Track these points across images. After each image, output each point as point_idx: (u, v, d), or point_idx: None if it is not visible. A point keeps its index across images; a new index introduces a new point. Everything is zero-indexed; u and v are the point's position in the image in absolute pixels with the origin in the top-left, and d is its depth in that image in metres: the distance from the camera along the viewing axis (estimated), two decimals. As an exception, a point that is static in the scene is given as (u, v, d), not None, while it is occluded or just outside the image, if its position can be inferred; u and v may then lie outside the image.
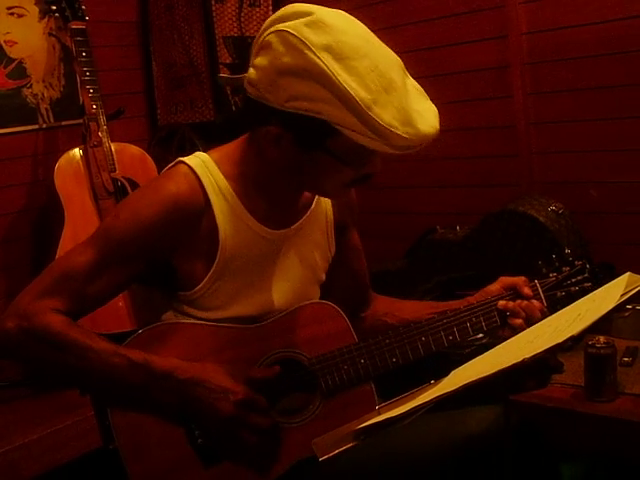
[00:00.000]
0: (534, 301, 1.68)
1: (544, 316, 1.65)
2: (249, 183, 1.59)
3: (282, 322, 1.64)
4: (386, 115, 1.37)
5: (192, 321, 1.59)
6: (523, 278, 1.71)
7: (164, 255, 1.55)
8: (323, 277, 1.77)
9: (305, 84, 1.37)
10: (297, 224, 1.66)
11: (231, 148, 1.62)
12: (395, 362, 1.64)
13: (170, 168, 1.59)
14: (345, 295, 1.84)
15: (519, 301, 1.67)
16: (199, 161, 1.57)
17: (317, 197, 1.72)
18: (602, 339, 2.17)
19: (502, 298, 1.69)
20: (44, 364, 1.52)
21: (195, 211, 1.53)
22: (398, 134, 1.37)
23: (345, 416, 1.47)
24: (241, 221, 1.58)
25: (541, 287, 1.71)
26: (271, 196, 1.61)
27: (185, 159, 1.58)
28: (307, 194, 1.69)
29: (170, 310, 1.63)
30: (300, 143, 1.46)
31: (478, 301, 1.70)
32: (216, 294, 1.59)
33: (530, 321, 1.64)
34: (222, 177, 1.57)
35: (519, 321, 1.65)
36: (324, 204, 1.73)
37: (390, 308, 1.88)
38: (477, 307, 1.69)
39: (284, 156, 1.49)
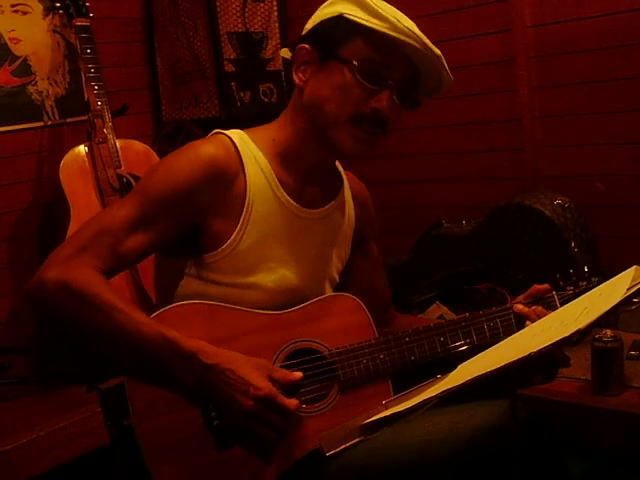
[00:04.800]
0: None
1: None
2: (280, 156, 1.67)
3: (306, 311, 1.66)
4: (387, 9, 1.57)
5: (216, 303, 1.59)
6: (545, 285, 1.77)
7: (197, 213, 1.59)
8: (336, 277, 1.80)
9: None
10: (321, 209, 1.72)
11: (264, 127, 1.72)
12: (413, 360, 1.67)
13: (208, 136, 1.68)
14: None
15: (534, 307, 1.71)
16: (236, 134, 1.65)
17: (342, 194, 1.78)
18: (609, 333, 2.17)
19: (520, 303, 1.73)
20: (76, 320, 1.50)
21: (230, 172, 1.60)
22: (397, 20, 1.55)
23: (361, 409, 1.48)
24: (271, 190, 1.64)
25: (559, 299, 1.74)
26: (301, 169, 1.68)
27: (223, 131, 1.66)
28: (333, 186, 1.77)
29: (195, 278, 1.64)
30: (320, 52, 1.61)
31: (497, 308, 1.73)
32: (240, 256, 1.61)
33: None
34: (257, 149, 1.65)
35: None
36: (348, 208, 1.80)
37: (414, 324, 1.88)
38: (495, 312, 1.72)
39: (307, 81, 1.63)
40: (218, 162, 1.58)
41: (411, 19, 1.59)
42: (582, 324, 1.23)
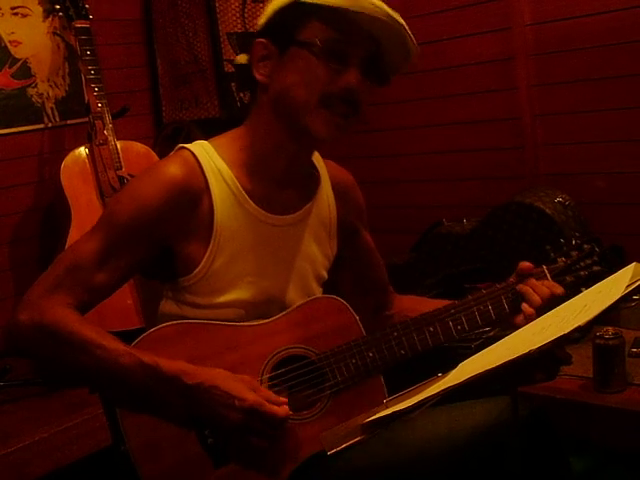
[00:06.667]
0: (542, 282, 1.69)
1: (554, 293, 1.66)
2: (248, 165, 1.62)
3: (289, 318, 1.63)
4: None
5: (198, 321, 1.58)
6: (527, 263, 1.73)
7: (166, 237, 1.57)
8: (324, 274, 1.77)
9: None
10: (297, 214, 1.68)
11: (229, 134, 1.67)
12: (404, 354, 1.64)
13: (171, 154, 1.62)
14: (364, 297, 1.85)
15: (526, 280, 1.69)
16: (199, 147, 1.61)
17: (319, 191, 1.72)
18: (610, 330, 2.17)
19: (513, 284, 1.70)
20: (55, 360, 1.51)
21: (194, 192, 1.56)
22: None
23: (355, 410, 1.46)
24: (239, 204, 1.60)
25: (549, 272, 1.71)
26: (272, 174, 1.63)
27: (186, 145, 1.61)
28: (308, 185, 1.71)
29: (172, 301, 1.63)
30: (278, 42, 1.56)
31: (486, 291, 1.70)
32: (215, 277, 1.59)
33: (543, 300, 1.65)
34: (222, 161, 1.60)
35: (528, 306, 1.66)
36: (327, 202, 1.75)
37: (415, 306, 1.88)
38: (485, 296, 1.69)
39: (269, 76, 1.58)
40: (181, 184, 1.54)
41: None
42: (582, 321, 1.23)
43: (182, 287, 1.60)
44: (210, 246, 1.58)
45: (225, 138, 1.66)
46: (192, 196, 1.56)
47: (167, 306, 1.64)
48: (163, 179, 1.54)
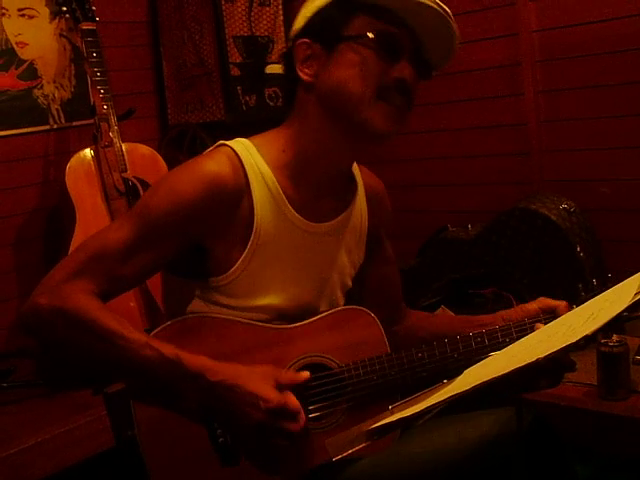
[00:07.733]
0: None
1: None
2: (290, 168, 1.58)
3: (316, 325, 1.61)
4: None
5: (224, 316, 1.56)
6: (565, 303, 1.64)
7: (200, 235, 1.53)
8: (349, 283, 1.76)
9: None
10: (332, 222, 1.65)
11: (271, 134, 1.63)
12: (425, 377, 1.61)
13: (212, 149, 1.59)
14: (377, 308, 1.84)
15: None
16: (241, 145, 1.57)
17: (355, 201, 1.70)
18: (615, 337, 2.17)
19: (539, 321, 1.63)
20: (71, 347, 1.47)
21: (235, 192, 1.52)
22: None
23: None
24: (279, 209, 1.57)
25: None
26: (313, 181, 1.60)
27: (227, 142, 1.57)
28: (345, 194, 1.69)
29: (200, 300, 1.59)
30: (323, 41, 1.53)
31: (514, 322, 1.65)
32: (247, 280, 1.56)
33: None
34: (263, 162, 1.56)
35: None
36: (361, 211, 1.73)
37: (424, 322, 1.87)
38: (512, 329, 1.64)
39: (316, 75, 1.54)
40: (222, 182, 1.49)
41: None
42: (589, 330, 1.23)
43: (212, 287, 1.57)
44: (247, 249, 1.55)
45: (267, 137, 1.62)
46: (232, 196, 1.52)
47: (195, 305, 1.59)
48: (203, 175, 1.49)
